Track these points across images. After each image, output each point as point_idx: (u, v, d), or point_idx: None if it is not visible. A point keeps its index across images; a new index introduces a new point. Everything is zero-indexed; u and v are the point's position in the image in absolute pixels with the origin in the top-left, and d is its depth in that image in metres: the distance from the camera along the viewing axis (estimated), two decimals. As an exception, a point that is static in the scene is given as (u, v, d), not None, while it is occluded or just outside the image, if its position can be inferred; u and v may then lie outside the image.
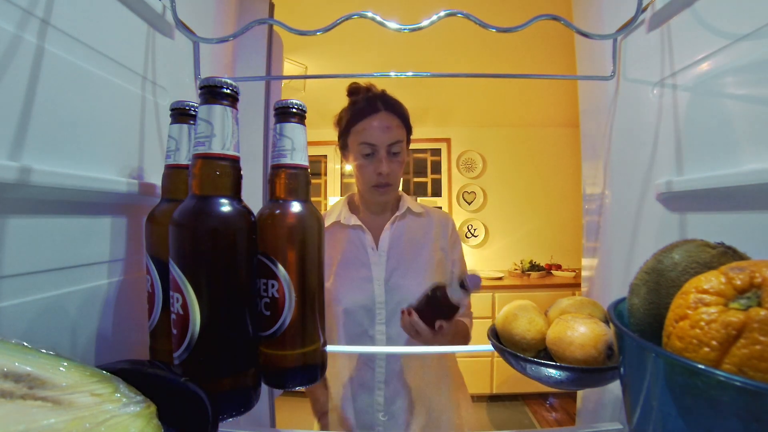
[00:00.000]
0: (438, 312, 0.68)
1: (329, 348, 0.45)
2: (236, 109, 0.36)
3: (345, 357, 0.82)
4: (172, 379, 0.32)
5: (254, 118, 0.79)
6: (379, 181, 0.79)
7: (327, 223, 0.86)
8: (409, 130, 0.83)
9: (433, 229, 0.87)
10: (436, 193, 3.04)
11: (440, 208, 2.62)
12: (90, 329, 0.40)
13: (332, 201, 2.99)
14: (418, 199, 2.85)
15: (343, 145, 0.84)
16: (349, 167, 0.87)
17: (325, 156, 3.15)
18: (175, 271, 0.33)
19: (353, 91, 0.84)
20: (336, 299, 0.80)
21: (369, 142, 0.78)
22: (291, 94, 2.19)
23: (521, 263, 2.86)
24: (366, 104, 0.80)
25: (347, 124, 0.81)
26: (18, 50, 0.31)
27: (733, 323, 0.21)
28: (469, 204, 3.00)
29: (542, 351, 0.42)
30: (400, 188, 0.90)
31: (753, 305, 0.21)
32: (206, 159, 0.34)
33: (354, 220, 0.85)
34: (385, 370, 0.78)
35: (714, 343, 0.21)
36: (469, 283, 0.64)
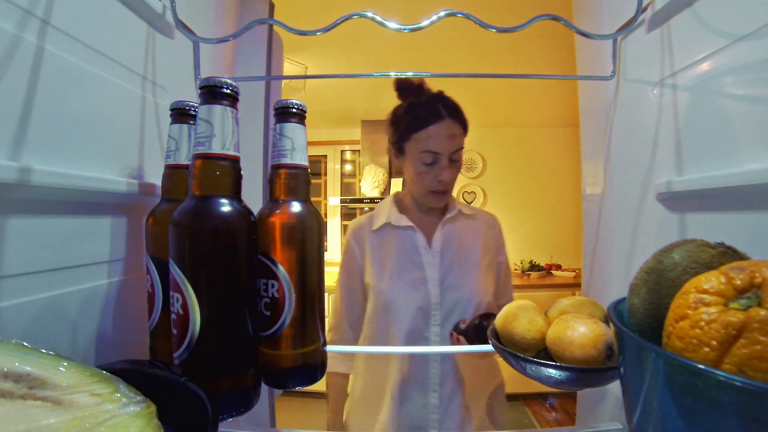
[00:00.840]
0: (483, 340, 0.69)
1: (329, 348, 0.45)
2: (236, 109, 0.36)
3: (397, 358, 0.81)
4: (172, 379, 0.32)
5: (254, 118, 0.79)
6: (439, 188, 0.78)
7: (376, 225, 0.85)
8: (466, 135, 0.81)
9: (482, 231, 0.87)
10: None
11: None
12: (90, 329, 0.40)
13: (332, 201, 2.99)
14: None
15: (399, 149, 0.82)
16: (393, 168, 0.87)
17: (325, 156, 3.15)
18: (175, 271, 0.33)
19: (405, 88, 0.81)
20: (392, 301, 0.79)
21: (433, 150, 0.76)
22: (291, 94, 2.19)
23: (521, 263, 2.86)
24: (428, 111, 0.77)
25: (407, 129, 0.78)
26: (18, 50, 0.31)
27: (733, 323, 0.21)
28: (469, 204, 3.01)
29: (542, 351, 0.42)
30: (480, 191, 0.92)
31: (753, 305, 0.21)
32: (206, 159, 0.34)
33: (405, 221, 0.83)
34: (440, 372, 0.78)
35: (714, 343, 0.21)
36: None
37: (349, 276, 0.86)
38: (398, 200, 0.89)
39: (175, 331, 0.34)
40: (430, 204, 0.83)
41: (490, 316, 0.70)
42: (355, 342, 0.85)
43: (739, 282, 0.22)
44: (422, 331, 0.78)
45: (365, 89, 2.40)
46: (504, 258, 0.89)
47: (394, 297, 0.79)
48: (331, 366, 0.94)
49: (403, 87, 0.82)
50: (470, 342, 0.70)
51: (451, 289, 0.79)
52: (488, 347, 0.69)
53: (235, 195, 0.36)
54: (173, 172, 0.42)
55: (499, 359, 0.70)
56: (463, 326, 0.73)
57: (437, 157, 0.76)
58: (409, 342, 0.77)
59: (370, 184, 2.86)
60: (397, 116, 0.82)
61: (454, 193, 0.94)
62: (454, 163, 0.78)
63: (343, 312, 0.86)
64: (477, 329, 0.69)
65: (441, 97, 0.80)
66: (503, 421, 0.86)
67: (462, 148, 0.79)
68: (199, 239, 0.34)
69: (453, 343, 0.73)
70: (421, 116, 0.77)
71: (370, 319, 0.82)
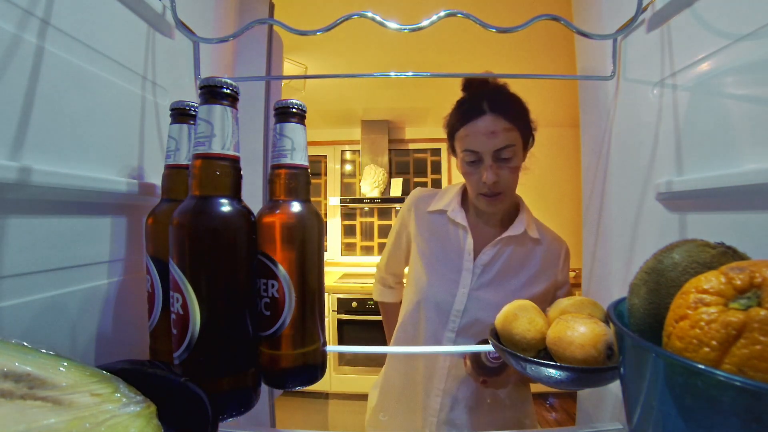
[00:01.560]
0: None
1: (329, 347, 0.45)
2: (236, 109, 0.36)
3: (404, 358, 0.80)
4: (172, 379, 0.32)
5: (254, 118, 0.79)
6: (484, 191, 0.71)
7: (433, 207, 0.80)
8: (524, 131, 0.73)
9: (545, 259, 0.78)
10: (436, 192, 3.04)
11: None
12: (90, 329, 0.40)
13: (332, 201, 2.99)
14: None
15: (452, 149, 0.78)
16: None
17: (325, 156, 3.15)
18: (175, 271, 0.33)
19: (465, 85, 0.77)
20: (421, 291, 0.76)
21: (472, 149, 0.70)
22: (291, 94, 2.19)
23: (521, 263, 2.86)
24: (470, 106, 0.72)
25: (452, 128, 0.75)
26: (18, 50, 0.31)
27: (733, 323, 0.21)
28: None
29: (542, 351, 0.42)
30: (525, 199, 0.83)
31: (753, 305, 0.21)
32: (206, 159, 0.34)
33: (461, 219, 0.77)
34: (446, 377, 0.75)
35: (714, 343, 0.21)
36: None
37: (398, 235, 0.87)
38: (464, 192, 0.82)
39: (175, 331, 0.34)
40: (482, 208, 0.75)
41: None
42: (396, 288, 0.95)
43: (739, 282, 0.22)
44: (436, 332, 0.75)
45: (365, 89, 2.40)
46: (564, 292, 0.79)
47: (423, 287, 0.76)
48: (383, 296, 0.95)
49: (466, 83, 0.77)
50: (493, 381, 0.67)
51: (479, 305, 0.74)
52: (456, 348, 0.69)
53: (235, 195, 0.36)
54: (173, 172, 0.42)
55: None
56: (490, 364, 0.66)
57: (479, 156, 0.70)
58: (426, 336, 0.76)
59: (370, 184, 2.86)
60: (448, 116, 0.77)
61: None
62: (504, 162, 0.70)
63: (386, 265, 0.93)
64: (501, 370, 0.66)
65: (490, 91, 0.73)
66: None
67: (512, 145, 0.69)
68: (199, 239, 0.34)
69: (466, 366, 0.70)
70: (462, 113, 0.72)
71: (406, 290, 0.84)
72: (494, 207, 0.74)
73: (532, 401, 0.82)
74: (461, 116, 0.72)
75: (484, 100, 0.71)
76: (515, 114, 0.71)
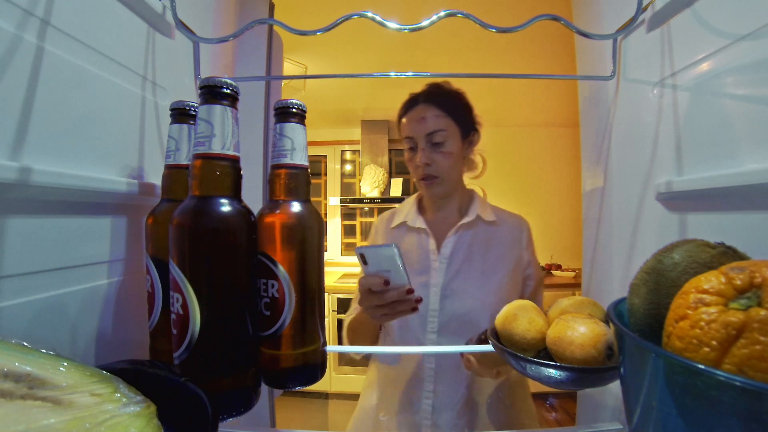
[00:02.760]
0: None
1: (329, 347, 0.45)
2: (236, 109, 0.36)
3: (395, 362, 0.80)
4: (172, 379, 0.32)
5: (254, 118, 0.79)
6: (421, 174, 0.77)
7: (394, 222, 0.85)
8: (459, 119, 0.79)
9: (505, 239, 0.81)
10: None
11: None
12: (90, 329, 0.40)
13: (332, 201, 2.99)
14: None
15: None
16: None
17: (325, 156, 3.15)
18: (175, 271, 0.33)
19: (409, 95, 0.84)
20: None
21: (408, 135, 0.78)
22: (291, 94, 2.19)
23: (521, 263, 2.86)
24: (408, 99, 0.80)
25: (397, 125, 0.82)
26: (18, 50, 0.31)
27: (733, 323, 0.21)
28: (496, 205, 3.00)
29: (542, 351, 0.42)
30: (480, 191, 0.89)
31: (753, 305, 0.21)
32: (206, 159, 0.34)
33: (420, 223, 0.82)
34: (434, 380, 0.75)
35: (714, 343, 0.21)
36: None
37: None
38: (420, 199, 0.88)
39: (175, 331, 0.34)
40: (425, 193, 0.81)
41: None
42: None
43: (739, 282, 0.22)
44: (419, 337, 0.76)
45: (365, 89, 2.40)
46: (532, 270, 0.81)
47: None
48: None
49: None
50: (478, 360, 0.67)
51: (452, 298, 0.76)
52: (456, 348, 0.69)
53: (235, 195, 0.36)
54: (173, 172, 0.42)
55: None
56: (470, 344, 0.69)
57: (413, 141, 0.77)
58: (409, 343, 0.76)
59: (370, 184, 2.86)
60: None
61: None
62: (436, 146, 0.76)
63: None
64: (481, 342, 0.65)
65: (428, 87, 0.80)
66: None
67: (443, 130, 0.76)
68: (199, 239, 0.34)
69: (464, 363, 0.71)
70: (402, 107, 0.81)
71: None
72: (434, 190, 0.79)
73: (531, 400, 0.82)
74: (401, 110, 0.81)
75: (420, 94, 0.80)
76: (448, 104, 0.78)
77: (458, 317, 0.75)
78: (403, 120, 0.80)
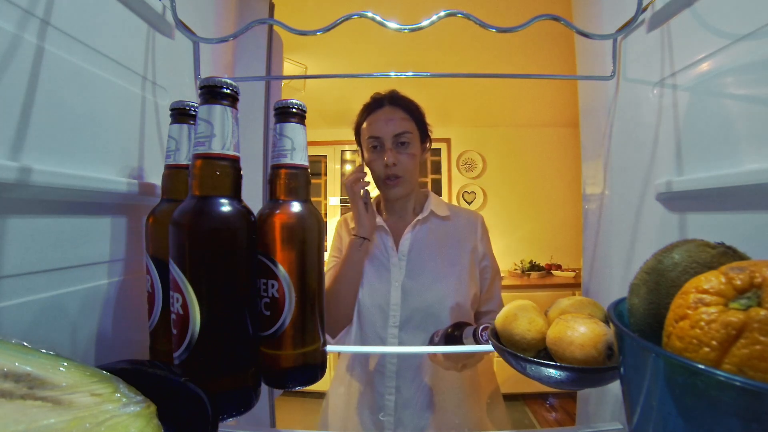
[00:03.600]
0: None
1: (329, 347, 0.45)
2: (236, 109, 0.36)
3: (356, 358, 0.81)
4: (172, 379, 0.32)
5: (254, 118, 0.79)
6: (387, 173, 0.79)
7: (353, 223, 0.86)
8: (419, 124, 0.83)
9: (460, 232, 0.85)
10: (436, 192, 3.04)
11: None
12: (90, 329, 0.40)
13: (332, 201, 2.99)
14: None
15: (359, 147, 0.86)
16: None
17: (325, 156, 3.15)
18: (175, 271, 0.33)
19: (371, 98, 0.86)
20: (358, 300, 0.80)
21: (373, 134, 0.80)
22: (291, 94, 2.19)
23: (521, 263, 2.86)
24: (372, 102, 0.83)
25: (357, 125, 0.85)
26: (18, 50, 0.31)
27: (733, 323, 0.21)
28: (469, 204, 3.00)
29: (542, 351, 0.42)
30: (431, 190, 0.90)
31: (753, 305, 0.21)
32: (206, 159, 0.34)
33: (379, 221, 0.84)
34: (396, 375, 0.76)
35: (714, 343, 0.21)
36: (482, 338, 0.64)
37: (333, 254, 0.90)
38: (378, 201, 0.91)
39: (175, 331, 0.34)
40: (387, 195, 0.84)
41: (462, 325, 0.67)
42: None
43: (739, 282, 0.22)
44: (379, 333, 0.78)
45: (365, 89, 2.40)
46: (488, 262, 0.85)
47: (359, 296, 0.80)
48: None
49: (371, 98, 0.86)
50: (444, 354, 0.68)
51: (413, 293, 0.78)
52: (455, 348, 0.69)
53: (235, 195, 0.36)
54: (173, 172, 0.42)
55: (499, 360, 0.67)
56: (436, 339, 0.70)
57: (380, 141, 0.79)
58: (365, 340, 0.79)
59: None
60: (355, 120, 0.87)
61: (454, 194, 0.94)
62: (402, 146, 0.79)
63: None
64: (448, 339, 0.67)
65: (389, 93, 0.84)
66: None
67: (408, 132, 0.79)
68: (199, 239, 0.34)
69: (431, 358, 0.73)
70: (365, 109, 0.84)
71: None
72: (397, 190, 0.82)
73: (500, 393, 0.84)
74: (364, 111, 0.84)
75: (384, 98, 0.83)
76: (411, 108, 0.83)
77: (419, 311, 0.77)
78: (366, 122, 0.82)
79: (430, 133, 0.87)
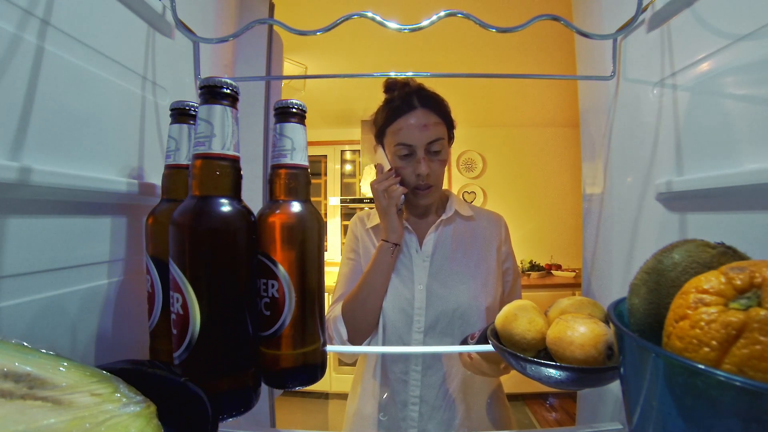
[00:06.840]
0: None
1: (329, 347, 0.45)
2: (236, 109, 0.36)
3: (379, 366, 0.78)
4: (172, 379, 0.32)
5: (254, 118, 0.79)
6: (419, 183, 0.74)
7: (371, 223, 0.83)
8: (450, 125, 0.78)
9: (484, 233, 0.82)
10: (436, 193, 3.04)
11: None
12: (90, 329, 0.40)
13: (332, 201, 2.99)
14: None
15: (379, 145, 0.80)
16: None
17: (325, 156, 3.15)
18: (175, 271, 0.33)
19: (389, 87, 0.79)
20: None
21: (405, 142, 0.73)
22: (291, 94, 2.19)
23: (521, 263, 2.86)
24: (401, 102, 0.74)
25: (383, 124, 0.77)
26: (18, 50, 0.31)
27: (733, 323, 0.21)
28: (471, 203, 3.00)
29: (542, 351, 0.42)
30: (446, 186, 0.85)
31: (753, 305, 0.21)
32: (206, 159, 0.34)
33: None
34: (421, 384, 0.73)
35: (714, 343, 0.21)
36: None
37: (348, 256, 0.85)
38: None
39: (175, 331, 0.34)
40: (416, 202, 0.78)
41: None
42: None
43: (739, 282, 0.22)
44: (402, 337, 0.74)
45: (365, 89, 2.40)
46: (511, 263, 0.83)
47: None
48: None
49: (389, 87, 0.79)
50: (484, 357, 0.65)
51: (438, 295, 0.75)
52: (455, 348, 0.68)
53: (235, 195, 0.36)
54: (173, 172, 0.42)
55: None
56: (472, 341, 0.67)
57: (412, 149, 0.73)
58: (393, 343, 0.75)
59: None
60: (376, 114, 0.80)
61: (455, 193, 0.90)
62: (434, 155, 0.74)
63: (341, 288, 0.83)
64: (485, 339, 0.67)
65: (417, 90, 0.76)
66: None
67: (441, 139, 0.74)
68: (199, 239, 0.34)
69: (464, 362, 0.69)
70: (394, 108, 0.75)
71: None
72: (428, 199, 0.78)
73: (504, 392, 0.83)
74: (392, 112, 0.75)
75: (414, 96, 0.74)
76: (442, 109, 0.76)
77: (445, 314, 0.73)
78: (396, 125, 0.74)
79: (454, 129, 0.81)
